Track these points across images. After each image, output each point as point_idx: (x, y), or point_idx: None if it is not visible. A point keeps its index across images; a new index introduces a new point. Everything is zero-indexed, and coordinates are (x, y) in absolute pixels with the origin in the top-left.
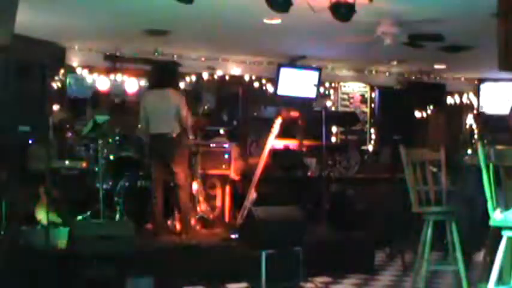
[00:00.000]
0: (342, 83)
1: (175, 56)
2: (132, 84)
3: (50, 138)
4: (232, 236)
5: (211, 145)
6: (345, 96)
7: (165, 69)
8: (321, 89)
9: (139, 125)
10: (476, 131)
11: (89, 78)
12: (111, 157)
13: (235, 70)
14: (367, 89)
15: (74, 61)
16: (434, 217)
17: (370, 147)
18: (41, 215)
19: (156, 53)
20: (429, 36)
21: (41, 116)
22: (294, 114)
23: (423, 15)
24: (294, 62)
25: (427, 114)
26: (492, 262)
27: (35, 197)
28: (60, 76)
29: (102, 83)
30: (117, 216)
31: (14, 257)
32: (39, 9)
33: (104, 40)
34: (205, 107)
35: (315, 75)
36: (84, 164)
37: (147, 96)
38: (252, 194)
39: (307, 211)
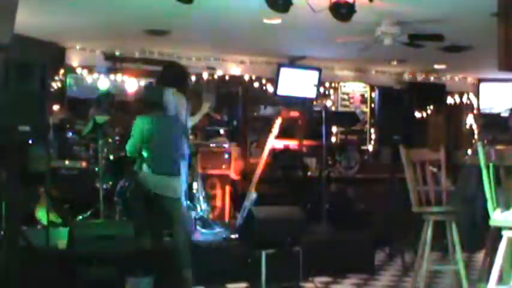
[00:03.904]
0: (342, 83)
1: (175, 56)
2: (132, 84)
3: (50, 138)
4: (232, 236)
5: (211, 145)
6: (345, 96)
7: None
8: (321, 89)
9: None
10: (476, 131)
11: (89, 78)
12: (111, 157)
13: (235, 70)
14: (367, 89)
15: (74, 61)
16: (434, 217)
17: (370, 147)
18: (41, 215)
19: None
20: (429, 36)
21: (41, 116)
22: (294, 114)
23: (423, 15)
24: (294, 62)
25: (427, 114)
26: (492, 262)
27: (35, 197)
28: (60, 76)
29: (102, 83)
30: (117, 216)
31: (14, 257)
32: (39, 9)
33: (104, 40)
34: None
35: (315, 75)
36: (84, 164)
37: None
38: (252, 194)
39: (307, 211)
